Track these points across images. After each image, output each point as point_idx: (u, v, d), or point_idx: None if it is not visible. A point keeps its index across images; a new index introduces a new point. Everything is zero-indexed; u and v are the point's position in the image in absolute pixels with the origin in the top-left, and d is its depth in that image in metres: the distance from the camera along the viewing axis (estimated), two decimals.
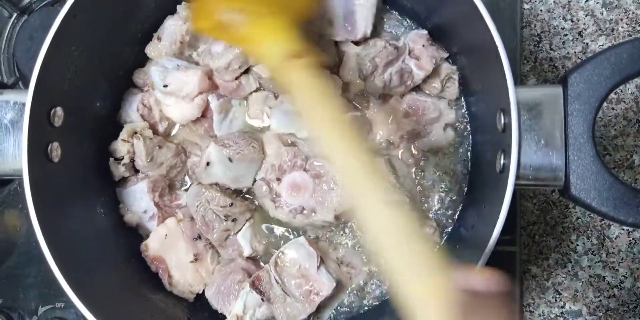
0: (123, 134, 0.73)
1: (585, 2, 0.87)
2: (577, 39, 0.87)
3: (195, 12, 0.70)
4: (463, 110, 0.77)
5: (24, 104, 0.60)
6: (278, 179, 0.73)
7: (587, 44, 0.87)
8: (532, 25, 0.87)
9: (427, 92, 0.76)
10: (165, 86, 0.73)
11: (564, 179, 0.55)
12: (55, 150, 0.63)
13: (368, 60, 0.72)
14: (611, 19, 0.87)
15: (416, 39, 0.74)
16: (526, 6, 0.87)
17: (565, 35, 0.87)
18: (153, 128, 0.76)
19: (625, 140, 0.84)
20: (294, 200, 0.72)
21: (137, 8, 0.72)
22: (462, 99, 0.77)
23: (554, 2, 0.87)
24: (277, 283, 0.69)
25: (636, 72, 0.53)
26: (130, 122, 0.76)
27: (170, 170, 0.76)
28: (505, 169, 0.56)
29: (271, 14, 0.62)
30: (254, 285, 0.69)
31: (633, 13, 0.86)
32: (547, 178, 0.55)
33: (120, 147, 0.73)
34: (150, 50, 0.76)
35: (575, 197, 0.54)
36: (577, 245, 0.84)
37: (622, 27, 0.87)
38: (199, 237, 0.74)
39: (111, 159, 0.74)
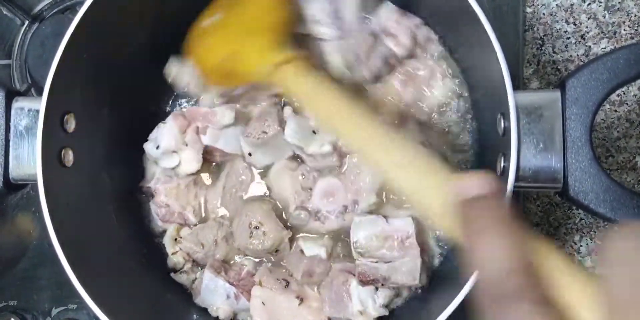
0: (170, 249, 0.76)
1: (588, 5, 0.88)
2: (580, 41, 0.88)
3: (202, 71, 0.74)
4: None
5: (37, 111, 0.62)
6: (308, 199, 0.74)
7: (590, 46, 0.88)
8: (535, 29, 0.88)
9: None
10: (158, 147, 0.74)
11: (563, 181, 0.56)
12: (68, 156, 0.65)
13: (350, 53, 0.72)
14: (613, 22, 0.88)
15: (387, 15, 0.74)
16: (529, 10, 0.88)
17: (568, 38, 0.88)
18: (182, 218, 0.78)
19: (628, 142, 0.85)
20: (333, 206, 0.73)
21: (148, 18, 0.74)
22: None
23: (556, 5, 0.88)
24: (377, 262, 0.68)
25: (632, 77, 0.54)
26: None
27: (225, 241, 0.76)
28: (505, 171, 0.57)
29: (251, 40, 0.68)
30: (365, 282, 0.68)
31: (635, 16, 0.87)
32: (546, 180, 0.56)
33: (176, 260, 0.76)
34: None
35: (574, 199, 0.55)
36: (581, 246, 0.85)
37: (624, 30, 0.87)
38: (287, 282, 0.73)
39: (175, 274, 0.77)
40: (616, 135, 0.86)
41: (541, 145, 0.56)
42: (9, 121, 0.64)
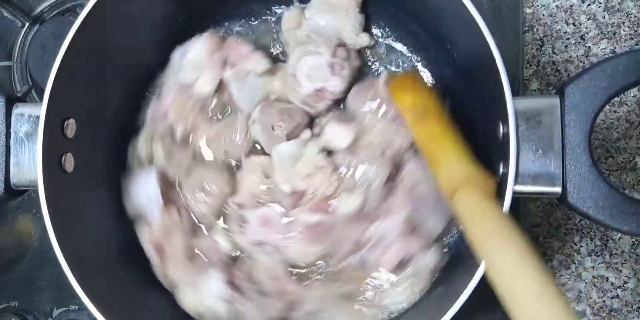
0: (140, 142, 0.76)
1: (587, 6, 0.88)
2: (580, 42, 0.88)
3: (396, 87, 0.70)
4: None
5: (38, 117, 0.62)
6: (250, 209, 0.73)
7: (590, 47, 0.88)
8: (535, 30, 0.88)
9: None
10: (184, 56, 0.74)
11: (561, 187, 0.56)
12: (69, 161, 0.65)
13: None
14: (613, 23, 0.88)
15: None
16: (528, 10, 0.88)
17: (568, 39, 0.88)
18: (170, 128, 0.76)
19: (628, 142, 0.85)
20: (260, 235, 0.71)
21: (150, 20, 0.74)
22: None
23: (556, 6, 0.88)
24: (252, 284, 0.70)
25: (632, 84, 0.54)
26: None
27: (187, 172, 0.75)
28: (504, 177, 0.57)
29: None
30: (233, 284, 0.69)
31: (635, 16, 0.87)
32: (545, 187, 0.57)
33: (139, 154, 0.75)
34: None
35: (573, 205, 0.55)
36: (581, 246, 0.85)
37: (623, 31, 0.87)
38: (194, 233, 0.74)
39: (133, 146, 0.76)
40: (616, 136, 0.86)
41: (540, 152, 0.57)
42: (9, 127, 0.64)
